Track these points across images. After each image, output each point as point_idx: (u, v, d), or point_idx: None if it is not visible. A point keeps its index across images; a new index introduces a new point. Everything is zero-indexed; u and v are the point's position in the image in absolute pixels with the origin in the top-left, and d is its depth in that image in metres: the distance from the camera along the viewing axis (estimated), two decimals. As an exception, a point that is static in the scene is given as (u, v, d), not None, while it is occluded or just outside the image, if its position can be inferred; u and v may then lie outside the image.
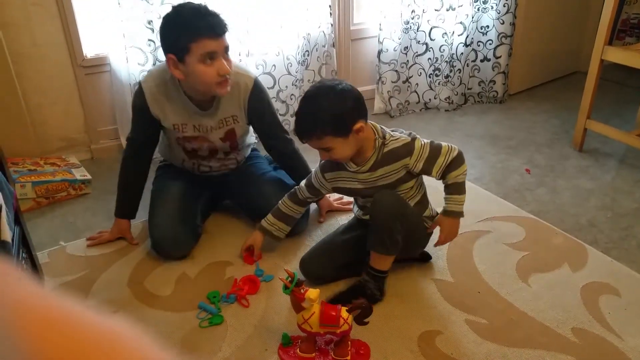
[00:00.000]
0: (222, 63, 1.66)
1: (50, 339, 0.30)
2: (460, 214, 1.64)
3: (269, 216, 1.80)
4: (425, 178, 1.68)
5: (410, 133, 1.61)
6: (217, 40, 1.63)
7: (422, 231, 1.69)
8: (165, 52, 1.67)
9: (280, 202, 1.80)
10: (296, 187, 1.80)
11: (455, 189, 1.61)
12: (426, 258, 1.82)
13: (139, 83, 1.83)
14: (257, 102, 1.84)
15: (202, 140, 1.87)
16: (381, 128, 1.60)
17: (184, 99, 1.78)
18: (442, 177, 1.60)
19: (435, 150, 1.56)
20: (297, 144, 1.81)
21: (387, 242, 1.55)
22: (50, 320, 0.32)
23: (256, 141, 2.16)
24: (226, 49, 1.68)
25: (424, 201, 1.69)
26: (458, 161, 1.58)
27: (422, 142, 1.57)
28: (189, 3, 1.67)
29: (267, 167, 2.08)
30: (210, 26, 1.62)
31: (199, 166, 1.97)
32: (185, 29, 1.62)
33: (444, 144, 1.59)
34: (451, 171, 1.58)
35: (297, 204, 1.78)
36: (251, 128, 1.98)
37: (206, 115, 1.82)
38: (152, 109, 1.79)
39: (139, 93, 1.80)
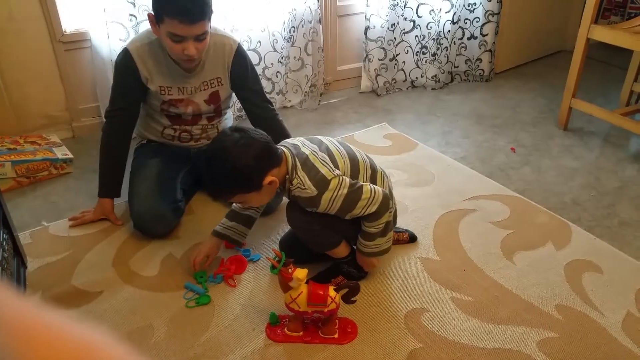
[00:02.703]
0: (188, 45, 1.65)
1: (33, 350, 0.33)
2: (371, 255, 1.55)
3: (224, 219, 1.67)
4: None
5: (323, 179, 1.41)
6: (189, 26, 1.61)
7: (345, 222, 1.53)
8: (152, 4, 1.66)
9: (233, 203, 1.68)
10: None
11: (365, 236, 1.52)
12: (412, 239, 1.82)
13: (124, 48, 1.80)
14: (240, 65, 1.87)
15: (187, 103, 1.87)
16: (294, 165, 1.43)
17: (169, 61, 1.78)
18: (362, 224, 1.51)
19: (349, 204, 1.42)
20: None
21: (318, 244, 1.58)
22: (32, 331, 0.34)
23: (235, 121, 2.17)
24: (202, 34, 1.66)
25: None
26: (374, 217, 1.46)
27: (331, 195, 1.40)
28: None
29: None
30: (185, 10, 1.58)
31: (180, 133, 1.95)
32: (164, 1, 1.61)
33: (364, 194, 1.42)
34: (365, 221, 1.48)
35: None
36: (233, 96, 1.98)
37: (191, 76, 1.83)
38: (141, 69, 1.77)
39: (125, 55, 1.77)
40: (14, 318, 0.34)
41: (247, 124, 2.02)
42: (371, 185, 1.47)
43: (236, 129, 1.42)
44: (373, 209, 1.43)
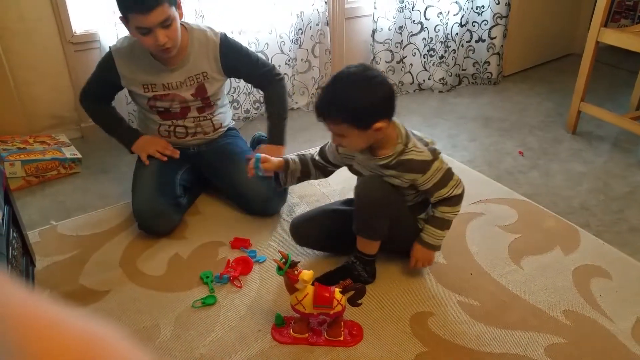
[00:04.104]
0: (157, 35, 1.68)
1: (37, 343, 0.33)
2: (435, 247, 1.61)
3: (294, 156, 1.71)
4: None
5: (434, 149, 1.53)
6: (147, 15, 1.64)
7: (410, 227, 1.63)
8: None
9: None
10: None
11: (438, 223, 1.57)
12: None
13: (109, 47, 1.88)
14: (229, 54, 1.89)
15: (173, 97, 1.89)
16: (406, 132, 1.51)
17: (150, 59, 1.82)
18: (435, 205, 1.56)
19: (444, 180, 1.51)
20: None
21: (369, 226, 1.55)
22: (36, 324, 0.34)
23: (234, 121, 2.21)
24: (165, 20, 1.67)
25: (425, 202, 1.63)
26: (456, 200, 1.54)
27: (439, 166, 1.50)
28: None
29: (245, 146, 2.09)
30: (138, 1, 1.63)
31: (175, 128, 1.96)
32: (120, 0, 1.67)
33: (455, 176, 1.54)
34: (445, 205, 1.54)
35: (314, 164, 1.71)
36: (224, 88, 2.03)
37: (174, 71, 1.85)
38: (120, 70, 1.84)
39: (108, 55, 1.86)
40: (18, 311, 0.35)
41: (252, 125, 2.03)
42: (455, 175, 1.56)
43: (373, 68, 1.48)
44: (458, 191, 1.53)
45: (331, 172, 1.74)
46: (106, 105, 2.00)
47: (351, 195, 1.66)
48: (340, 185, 2.13)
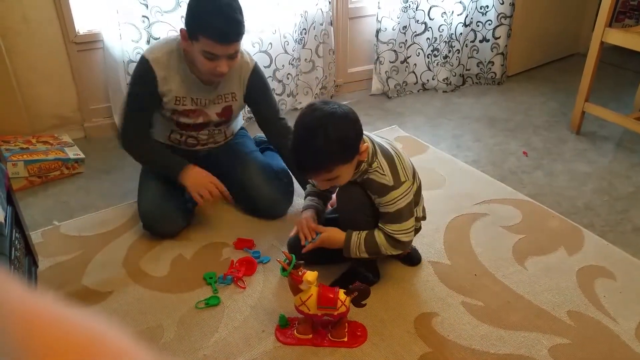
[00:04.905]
0: (221, 64, 1.66)
1: (39, 339, 0.33)
2: (346, 251, 1.52)
3: (308, 198, 1.70)
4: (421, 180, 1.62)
5: (398, 177, 1.45)
6: (223, 46, 1.62)
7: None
8: (185, 22, 1.67)
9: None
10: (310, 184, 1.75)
11: (372, 245, 1.49)
12: (415, 261, 1.74)
13: (142, 56, 1.76)
14: (256, 83, 1.87)
15: (199, 114, 1.86)
16: (374, 151, 1.46)
17: (187, 72, 1.78)
18: (379, 228, 1.50)
19: (401, 215, 1.46)
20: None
21: (353, 220, 1.53)
22: (38, 321, 0.34)
23: (245, 122, 2.18)
24: (235, 52, 1.67)
25: (415, 200, 1.60)
26: (399, 246, 1.50)
27: (401, 196, 1.44)
28: None
29: (254, 147, 2.08)
30: (221, 32, 1.60)
31: (187, 138, 1.94)
32: (198, 20, 1.61)
33: (411, 220, 1.48)
34: (387, 240, 1.49)
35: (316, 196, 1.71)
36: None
37: (206, 89, 1.82)
38: (159, 79, 1.74)
39: (145, 64, 1.73)
40: (19, 308, 0.35)
41: (255, 125, 2.03)
42: (413, 220, 1.51)
43: (324, 101, 1.42)
44: (406, 239, 1.49)
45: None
46: (148, 140, 1.86)
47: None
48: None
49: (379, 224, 1.51)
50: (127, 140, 1.83)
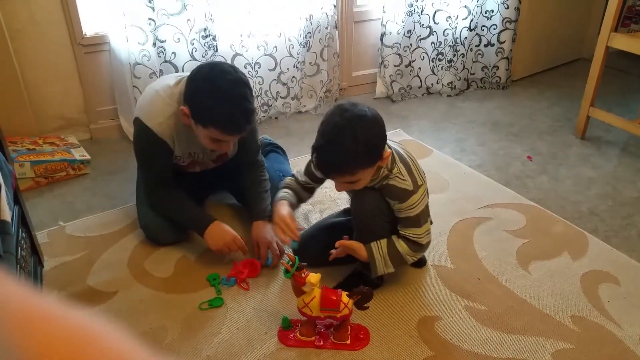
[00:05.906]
0: (226, 146, 1.63)
1: (35, 338, 0.33)
2: (373, 273, 1.52)
3: (283, 190, 1.68)
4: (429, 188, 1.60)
5: (416, 181, 1.47)
6: (232, 136, 1.58)
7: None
8: (185, 101, 1.58)
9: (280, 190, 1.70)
10: (290, 177, 1.74)
11: (397, 258, 1.50)
12: (421, 263, 1.75)
13: (144, 125, 1.64)
14: (248, 132, 1.72)
15: (195, 164, 1.85)
16: (393, 157, 1.47)
17: (188, 134, 1.68)
18: (399, 236, 1.51)
19: (420, 218, 1.48)
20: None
21: (368, 238, 1.53)
22: (34, 319, 0.34)
23: None
24: (241, 136, 1.63)
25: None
26: (418, 248, 1.51)
27: (420, 200, 1.46)
28: (230, 80, 1.52)
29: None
30: (233, 124, 1.54)
31: (185, 173, 1.91)
32: (209, 113, 1.52)
33: (429, 222, 1.52)
34: (408, 245, 1.50)
35: (304, 188, 1.71)
36: None
37: (204, 147, 1.72)
38: (171, 145, 1.70)
39: (150, 135, 1.64)
40: (15, 307, 0.35)
41: (259, 126, 2.02)
42: (430, 221, 1.54)
43: (353, 103, 1.40)
44: (425, 240, 1.51)
45: (315, 189, 1.74)
46: (174, 192, 1.79)
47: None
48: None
49: (399, 230, 1.51)
50: (152, 194, 1.81)
